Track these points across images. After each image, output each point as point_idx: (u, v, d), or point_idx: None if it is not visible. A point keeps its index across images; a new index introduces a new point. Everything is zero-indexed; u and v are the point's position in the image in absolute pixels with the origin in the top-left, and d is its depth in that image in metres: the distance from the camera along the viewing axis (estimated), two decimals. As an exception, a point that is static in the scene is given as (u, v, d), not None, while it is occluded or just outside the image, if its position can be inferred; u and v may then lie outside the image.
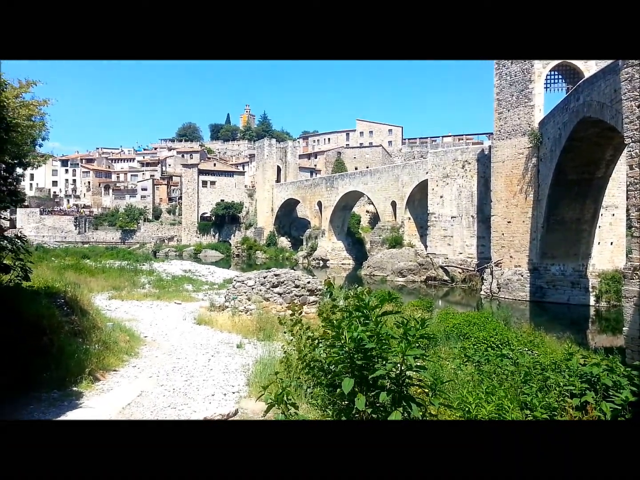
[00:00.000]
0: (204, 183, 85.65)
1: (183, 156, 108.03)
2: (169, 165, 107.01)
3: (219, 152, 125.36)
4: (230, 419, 6.21)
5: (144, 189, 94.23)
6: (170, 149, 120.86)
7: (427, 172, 47.58)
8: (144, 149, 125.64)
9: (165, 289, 21.08)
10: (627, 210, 25.69)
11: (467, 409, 6.00)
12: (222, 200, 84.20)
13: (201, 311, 15.30)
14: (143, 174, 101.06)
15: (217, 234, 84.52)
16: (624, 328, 12.26)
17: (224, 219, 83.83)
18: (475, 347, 10.00)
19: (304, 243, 70.04)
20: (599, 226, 30.79)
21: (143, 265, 30.32)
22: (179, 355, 9.80)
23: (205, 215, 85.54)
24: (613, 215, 31.61)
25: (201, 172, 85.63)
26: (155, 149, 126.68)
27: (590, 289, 30.58)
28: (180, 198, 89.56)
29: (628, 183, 12.71)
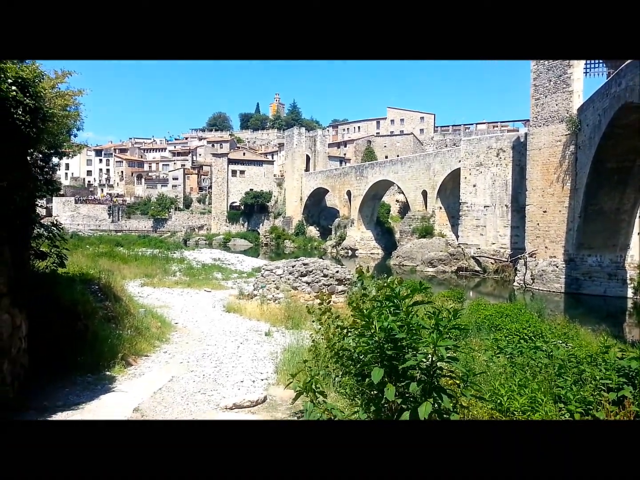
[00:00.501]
0: (234, 172, 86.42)
1: (213, 146, 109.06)
2: (200, 154, 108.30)
3: (249, 142, 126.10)
4: (258, 404, 6.25)
5: (175, 179, 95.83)
6: (200, 139, 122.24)
7: (459, 161, 46.65)
8: (175, 139, 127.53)
9: (195, 277, 21.40)
10: (671, 199, 24.57)
11: (499, 401, 5.87)
12: (251, 190, 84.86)
13: (230, 299, 15.47)
14: (174, 163, 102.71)
15: (246, 223, 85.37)
16: (665, 322, 11.75)
17: (253, 208, 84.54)
18: (507, 339, 9.78)
19: (333, 232, 70.01)
20: (639, 216, 29.65)
21: (174, 253, 30.86)
22: (209, 342, 9.93)
23: (235, 204, 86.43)
24: (655, 204, 30.36)
25: (231, 161, 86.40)
26: (186, 138, 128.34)
27: (629, 281, 29.54)
28: (210, 187, 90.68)
29: (673, 171, 12.08)
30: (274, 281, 15.61)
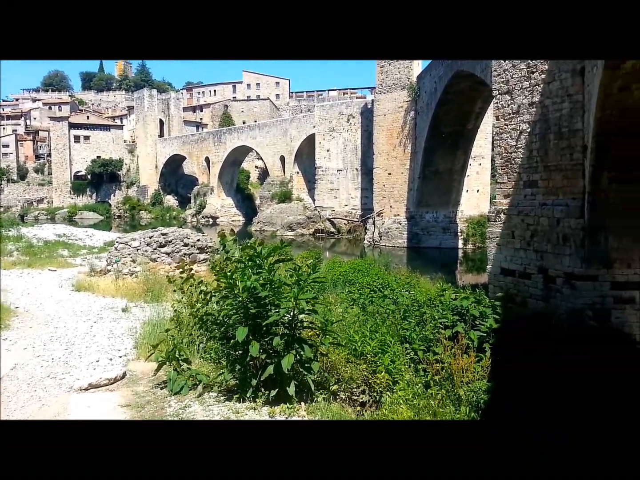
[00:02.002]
0: (77, 138, 77.89)
1: (50, 108, 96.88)
2: (34, 118, 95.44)
3: (93, 104, 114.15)
4: (117, 382, 6.01)
5: (6, 146, 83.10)
6: (34, 100, 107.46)
7: (314, 126, 47.93)
8: (4, 101, 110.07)
9: (37, 255, 19.25)
10: (492, 159, 28.32)
11: (353, 346, 6.44)
12: (99, 157, 77.59)
13: (80, 277, 14.28)
14: (4, 128, 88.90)
15: (95, 194, 78.30)
16: (487, 266, 13.75)
17: (102, 177, 77.60)
18: (360, 291, 10.63)
19: (192, 201, 67.70)
20: (468, 175, 33.65)
21: (9, 231, 27.26)
22: (57, 325, 9.14)
23: (80, 173, 78.38)
24: (480, 164, 34.71)
25: (72, 125, 77.54)
26: (17, 100, 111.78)
27: (459, 234, 33.67)
28: (50, 155, 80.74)
29: (494, 133, 13.90)
30: (129, 254, 14.75)
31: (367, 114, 41.66)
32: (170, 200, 74.38)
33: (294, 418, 4.75)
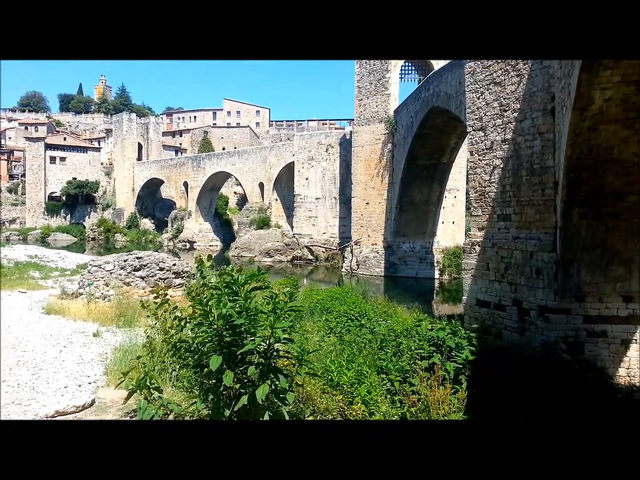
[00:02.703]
0: (52, 159, 76.81)
1: (27, 128, 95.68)
2: (9, 138, 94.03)
3: (70, 126, 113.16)
4: (85, 409, 5.82)
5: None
6: (10, 120, 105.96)
7: (293, 155, 48.36)
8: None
9: (6, 276, 18.70)
10: (467, 192, 28.94)
11: (330, 376, 6.38)
12: (75, 179, 76.52)
13: (51, 300, 13.90)
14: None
15: (69, 216, 76.84)
16: (463, 297, 13.90)
17: (77, 199, 76.36)
18: (337, 319, 10.60)
19: (169, 225, 67.04)
20: (443, 207, 34.28)
21: (-24, 251, 26.46)
22: (25, 348, 8.83)
23: (55, 194, 77.04)
24: (455, 197, 35.46)
25: (49, 146, 76.54)
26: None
27: (436, 264, 34.06)
28: (24, 175, 79.27)
29: (468, 168, 14.27)
30: (102, 277, 14.45)
31: (346, 145, 42.36)
32: (147, 223, 73.49)
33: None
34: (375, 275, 34.90)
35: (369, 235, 36.50)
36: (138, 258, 14.75)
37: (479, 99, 13.30)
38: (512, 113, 12.20)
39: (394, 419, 6.01)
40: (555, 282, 10.72)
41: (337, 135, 45.09)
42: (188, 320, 5.99)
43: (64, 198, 76.44)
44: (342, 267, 38.83)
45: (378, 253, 35.58)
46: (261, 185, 55.25)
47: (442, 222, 34.77)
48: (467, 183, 27.82)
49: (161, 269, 14.74)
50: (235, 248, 49.90)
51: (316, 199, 45.44)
